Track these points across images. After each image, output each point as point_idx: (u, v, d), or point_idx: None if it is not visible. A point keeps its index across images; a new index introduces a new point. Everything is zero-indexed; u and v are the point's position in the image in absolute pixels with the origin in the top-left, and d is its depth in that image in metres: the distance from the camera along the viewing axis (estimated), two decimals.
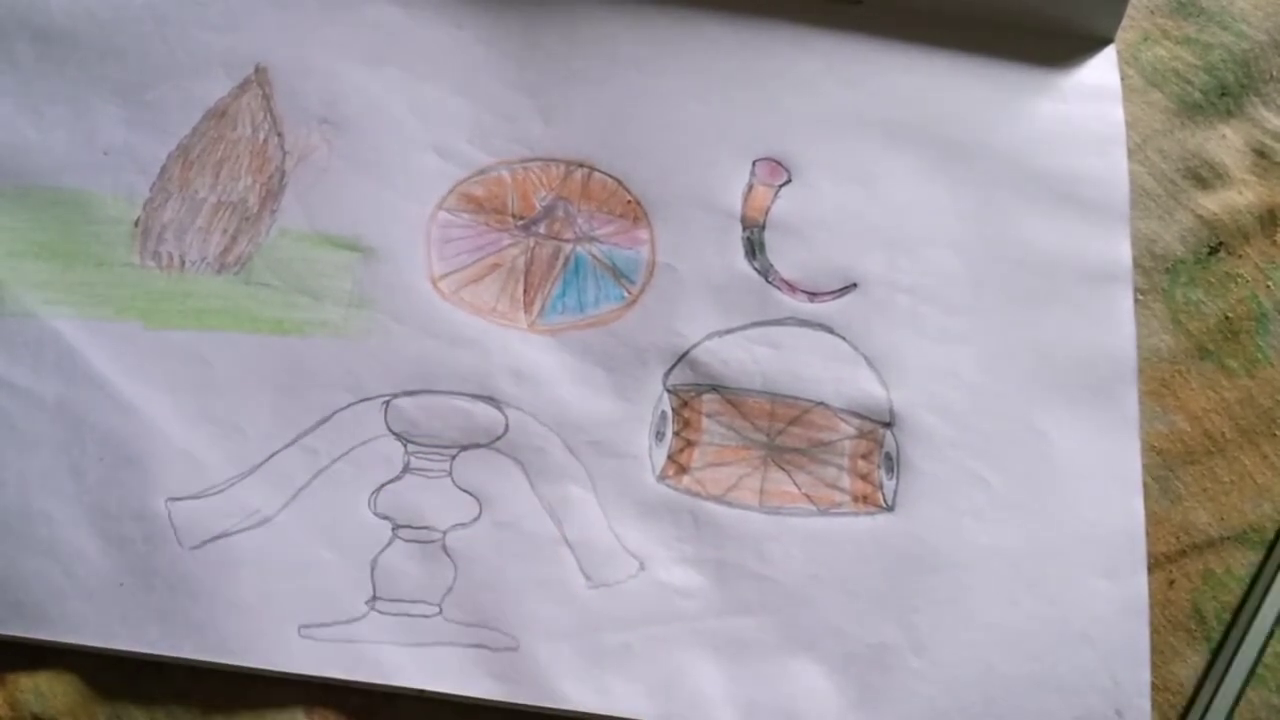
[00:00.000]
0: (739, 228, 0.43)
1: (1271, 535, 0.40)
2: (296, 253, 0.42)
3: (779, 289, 0.42)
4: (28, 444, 0.39)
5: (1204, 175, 0.45)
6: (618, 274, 0.42)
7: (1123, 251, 0.43)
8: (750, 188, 0.44)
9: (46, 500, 0.38)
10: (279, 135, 0.44)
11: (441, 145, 0.44)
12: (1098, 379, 0.41)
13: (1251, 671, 0.38)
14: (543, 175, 0.44)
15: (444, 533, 0.38)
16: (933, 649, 0.38)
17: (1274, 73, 0.47)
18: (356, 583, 0.38)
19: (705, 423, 0.40)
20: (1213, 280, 0.44)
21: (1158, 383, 0.42)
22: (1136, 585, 0.39)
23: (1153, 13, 0.48)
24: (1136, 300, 0.43)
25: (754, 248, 0.43)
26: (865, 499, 0.39)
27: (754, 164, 0.44)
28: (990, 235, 0.43)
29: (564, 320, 0.41)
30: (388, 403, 0.40)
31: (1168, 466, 0.41)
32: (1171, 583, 0.39)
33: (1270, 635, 0.39)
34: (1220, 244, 0.44)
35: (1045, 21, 0.46)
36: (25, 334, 0.40)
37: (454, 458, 0.39)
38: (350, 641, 0.37)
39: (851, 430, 0.40)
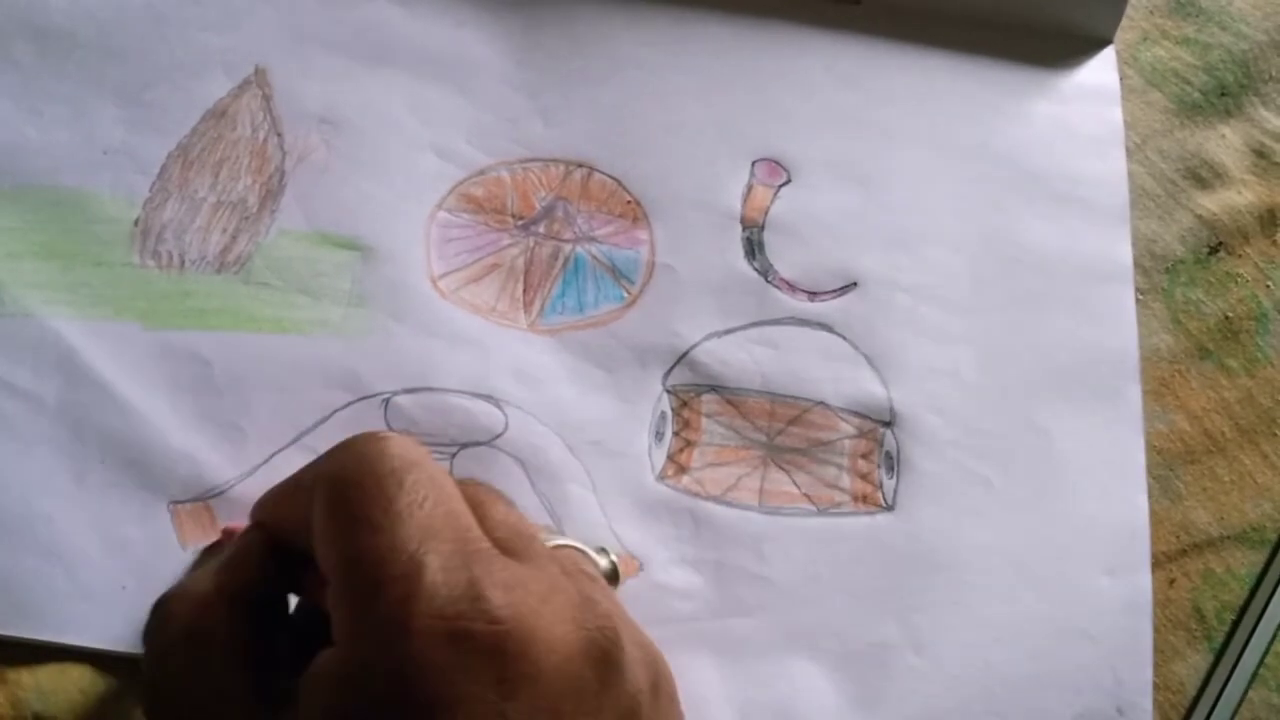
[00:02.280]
0: (738, 228, 0.43)
1: (1272, 535, 0.40)
2: (296, 252, 0.42)
3: (778, 289, 0.42)
4: (28, 445, 0.39)
5: (1203, 175, 0.45)
6: (617, 274, 0.42)
7: (1123, 251, 0.43)
8: (750, 188, 0.44)
9: (47, 502, 0.38)
10: (278, 135, 0.44)
11: (441, 145, 0.44)
12: (1099, 377, 0.41)
13: (1255, 672, 0.38)
14: (542, 175, 0.44)
15: None
16: (933, 648, 0.37)
17: (1273, 73, 0.47)
18: None
19: (705, 423, 0.40)
20: (1213, 280, 0.44)
21: (1157, 382, 0.42)
22: (1139, 583, 0.39)
23: (1152, 13, 0.48)
24: (1136, 300, 0.43)
25: (753, 248, 0.43)
26: (865, 498, 0.39)
27: (753, 164, 0.44)
28: (990, 235, 0.43)
29: (563, 320, 0.41)
30: (387, 401, 0.40)
31: (1167, 466, 0.41)
32: (1172, 582, 0.39)
33: (1275, 635, 0.39)
34: (1220, 244, 0.44)
35: (1044, 22, 0.46)
36: (25, 334, 0.40)
37: (454, 456, 0.39)
38: None
39: (851, 430, 0.40)
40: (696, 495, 0.39)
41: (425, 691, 0.24)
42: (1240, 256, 0.44)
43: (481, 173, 0.44)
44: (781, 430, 0.40)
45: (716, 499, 0.39)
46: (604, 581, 0.31)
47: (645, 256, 0.42)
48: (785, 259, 0.43)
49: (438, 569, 0.25)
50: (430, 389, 0.40)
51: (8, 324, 0.40)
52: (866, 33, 0.46)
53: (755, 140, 0.44)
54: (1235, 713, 0.38)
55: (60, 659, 0.37)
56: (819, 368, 0.41)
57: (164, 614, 0.29)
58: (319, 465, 0.29)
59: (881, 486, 0.40)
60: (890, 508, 0.39)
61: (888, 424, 0.40)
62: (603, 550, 0.34)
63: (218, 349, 0.40)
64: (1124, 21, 0.47)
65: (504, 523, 0.28)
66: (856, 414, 0.40)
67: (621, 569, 0.35)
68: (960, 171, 0.44)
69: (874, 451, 0.40)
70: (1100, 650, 0.38)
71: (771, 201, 0.44)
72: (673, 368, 0.41)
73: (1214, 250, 0.44)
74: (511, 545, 0.28)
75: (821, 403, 0.41)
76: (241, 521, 0.33)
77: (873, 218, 0.43)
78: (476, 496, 0.29)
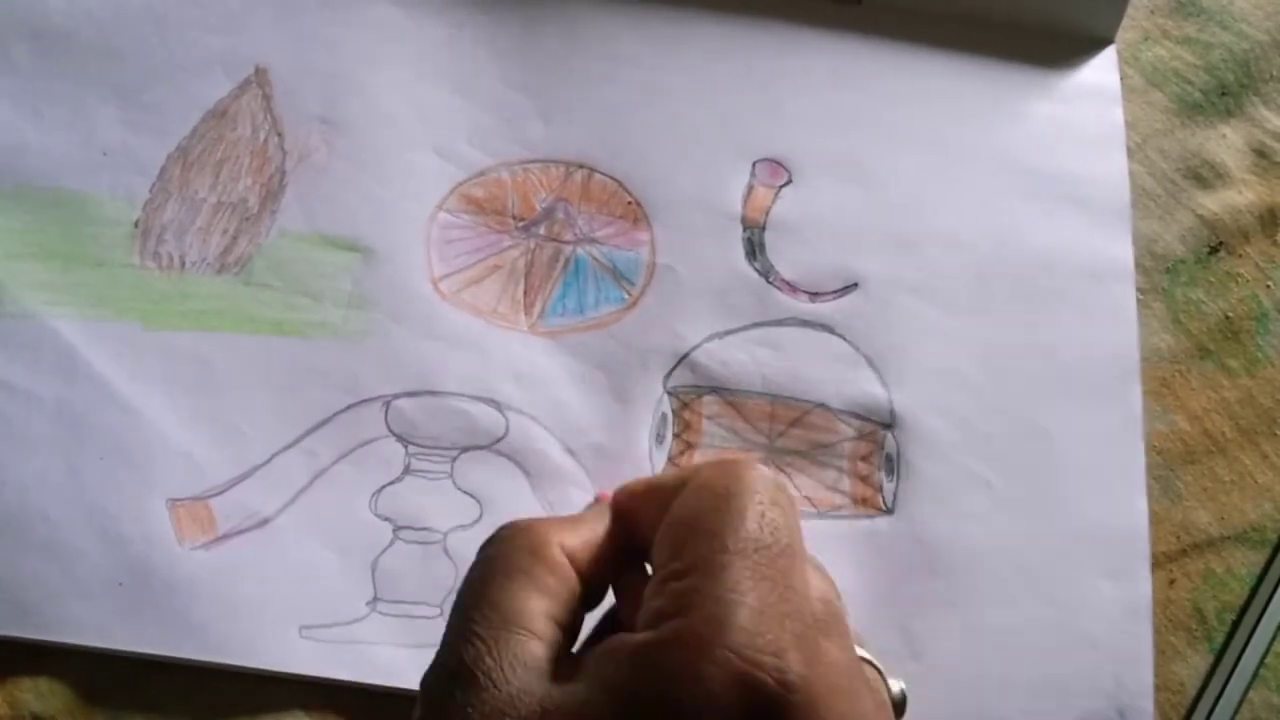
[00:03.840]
0: (739, 228, 0.43)
1: (1273, 535, 0.40)
2: (296, 253, 0.42)
3: (779, 289, 0.42)
4: (27, 444, 0.39)
5: (1204, 175, 0.45)
6: (618, 275, 0.42)
7: (1124, 251, 0.43)
8: (750, 188, 0.44)
9: (46, 500, 0.38)
10: (279, 136, 0.44)
11: (441, 146, 0.44)
12: (1100, 379, 0.41)
13: (1255, 672, 0.38)
14: (542, 176, 0.43)
15: (445, 534, 0.38)
16: (933, 652, 0.37)
17: (1274, 72, 0.47)
18: (357, 584, 0.38)
19: (705, 425, 0.40)
20: (1213, 280, 0.44)
21: (1158, 382, 0.42)
22: (1139, 585, 0.39)
23: (1153, 12, 0.48)
24: (1137, 300, 0.43)
25: (754, 248, 0.43)
26: (865, 501, 0.39)
27: (754, 164, 0.44)
28: (991, 235, 0.43)
29: (564, 322, 0.41)
30: (388, 404, 0.40)
31: (1168, 466, 0.41)
32: (1172, 582, 0.39)
33: (1275, 635, 0.39)
34: (1220, 244, 0.44)
35: (1045, 22, 0.46)
36: (24, 334, 0.40)
37: (455, 459, 0.39)
38: (351, 643, 0.37)
39: (851, 432, 0.40)
40: None
41: (697, 715, 0.24)
42: (1240, 256, 0.44)
43: (482, 173, 0.43)
44: (782, 432, 0.40)
45: None
46: (889, 708, 0.31)
47: (646, 258, 0.42)
48: (786, 259, 0.43)
49: (757, 610, 0.25)
50: (431, 392, 0.40)
51: (8, 324, 0.40)
52: (867, 33, 0.46)
53: (756, 141, 0.44)
54: (1235, 713, 0.38)
55: (58, 660, 0.37)
56: (820, 369, 0.41)
57: (508, 534, 0.29)
58: (696, 470, 0.29)
59: (881, 489, 0.40)
60: (890, 510, 0.39)
61: (888, 426, 0.40)
62: (896, 678, 0.33)
63: (218, 350, 0.40)
64: (1125, 21, 0.47)
65: (825, 599, 0.28)
66: (857, 416, 0.40)
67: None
68: (961, 171, 0.44)
69: (874, 454, 0.40)
70: (1101, 653, 0.38)
71: (772, 202, 0.43)
72: (673, 369, 0.41)
73: (1214, 250, 0.44)
74: (825, 624, 0.27)
75: (822, 404, 0.41)
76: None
77: (874, 218, 0.43)
78: (809, 564, 0.29)
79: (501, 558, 0.28)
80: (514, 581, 0.28)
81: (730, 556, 0.26)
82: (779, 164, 0.44)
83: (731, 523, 0.26)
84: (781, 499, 0.28)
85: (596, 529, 0.30)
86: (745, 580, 0.25)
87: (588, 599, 0.29)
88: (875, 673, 0.31)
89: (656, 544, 0.27)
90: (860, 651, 0.31)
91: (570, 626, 0.28)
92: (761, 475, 0.28)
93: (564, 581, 0.28)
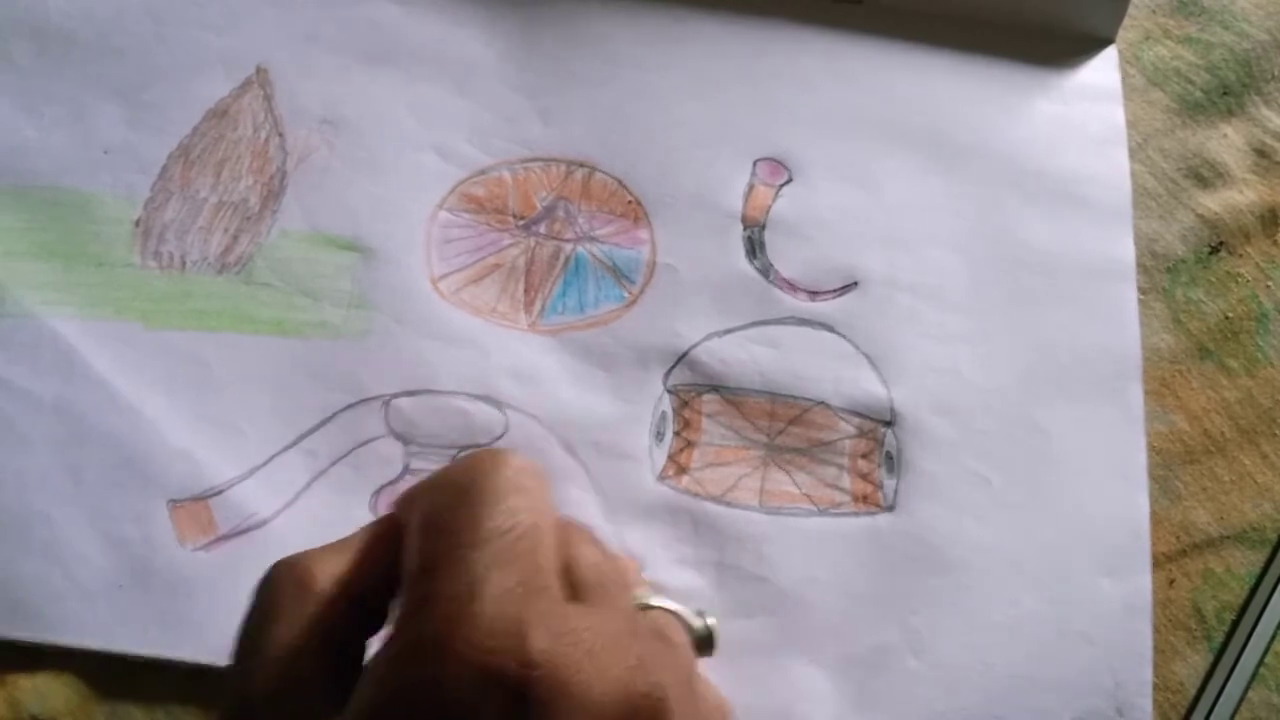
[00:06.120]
0: (739, 227, 0.43)
1: (1272, 535, 0.40)
2: (297, 253, 0.42)
3: (779, 288, 0.42)
4: (27, 445, 0.39)
5: (1205, 174, 0.45)
6: (618, 274, 0.42)
7: (1125, 250, 0.43)
8: (751, 187, 0.44)
9: (46, 501, 0.38)
10: (280, 135, 0.44)
11: (441, 146, 0.44)
12: (1100, 377, 0.41)
13: (1255, 672, 0.38)
14: (543, 175, 0.44)
15: None
16: (932, 650, 0.37)
17: (1275, 72, 0.47)
18: None
19: (705, 423, 0.40)
20: (1213, 280, 0.44)
21: (1158, 382, 0.42)
22: (1139, 584, 0.39)
23: (1154, 12, 0.48)
24: (1137, 299, 0.43)
25: (754, 247, 0.43)
26: (866, 499, 0.39)
27: (755, 164, 0.44)
28: (991, 234, 0.43)
29: (564, 320, 0.41)
30: (387, 403, 0.40)
31: (1167, 466, 0.41)
32: (1171, 582, 0.39)
33: (1275, 635, 0.39)
34: (1221, 243, 0.44)
35: (1046, 21, 0.46)
36: (24, 334, 0.40)
37: (454, 458, 0.39)
38: None
39: (852, 430, 0.40)
40: (697, 495, 0.39)
41: (447, 715, 0.24)
42: (1241, 256, 0.44)
43: (483, 172, 0.44)
44: (782, 430, 0.40)
45: (717, 499, 0.39)
46: (684, 650, 0.30)
47: (646, 256, 0.42)
48: (786, 258, 0.43)
49: (492, 598, 0.25)
50: (430, 391, 0.40)
51: (7, 323, 0.40)
52: (867, 32, 0.46)
53: (756, 140, 0.44)
54: (1235, 713, 0.38)
55: (58, 660, 0.37)
56: (820, 367, 0.41)
57: (273, 575, 0.28)
58: (440, 470, 0.29)
59: (882, 486, 0.40)
60: (891, 508, 0.39)
61: (888, 424, 0.40)
62: (700, 614, 0.32)
63: (218, 350, 0.40)
64: (1126, 20, 0.47)
65: (592, 567, 0.28)
66: (857, 414, 0.40)
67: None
68: (962, 171, 0.44)
69: (874, 451, 0.40)
70: (1100, 651, 0.38)
71: (773, 201, 0.43)
72: (673, 367, 0.41)
73: (1215, 250, 0.44)
74: (589, 592, 0.27)
75: (822, 403, 0.41)
76: None
77: (874, 217, 0.43)
78: (572, 537, 0.28)
79: (267, 602, 0.28)
80: (281, 625, 0.27)
81: (466, 550, 0.25)
82: (779, 163, 0.44)
83: (468, 517, 0.26)
84: (525, 482, 0.27)
85: (363, 548, 0.29)
86: (479, 567, 0.25)
87: (369, 620, 0.28)
88: (668, 617, 0.31)
89: (403, 548, 0.27)
90: (651, 600, 0.31)
91: (353, 651, 0.28)
92: (503, 462, 0.27)
93: (333, 612, 0.27)
